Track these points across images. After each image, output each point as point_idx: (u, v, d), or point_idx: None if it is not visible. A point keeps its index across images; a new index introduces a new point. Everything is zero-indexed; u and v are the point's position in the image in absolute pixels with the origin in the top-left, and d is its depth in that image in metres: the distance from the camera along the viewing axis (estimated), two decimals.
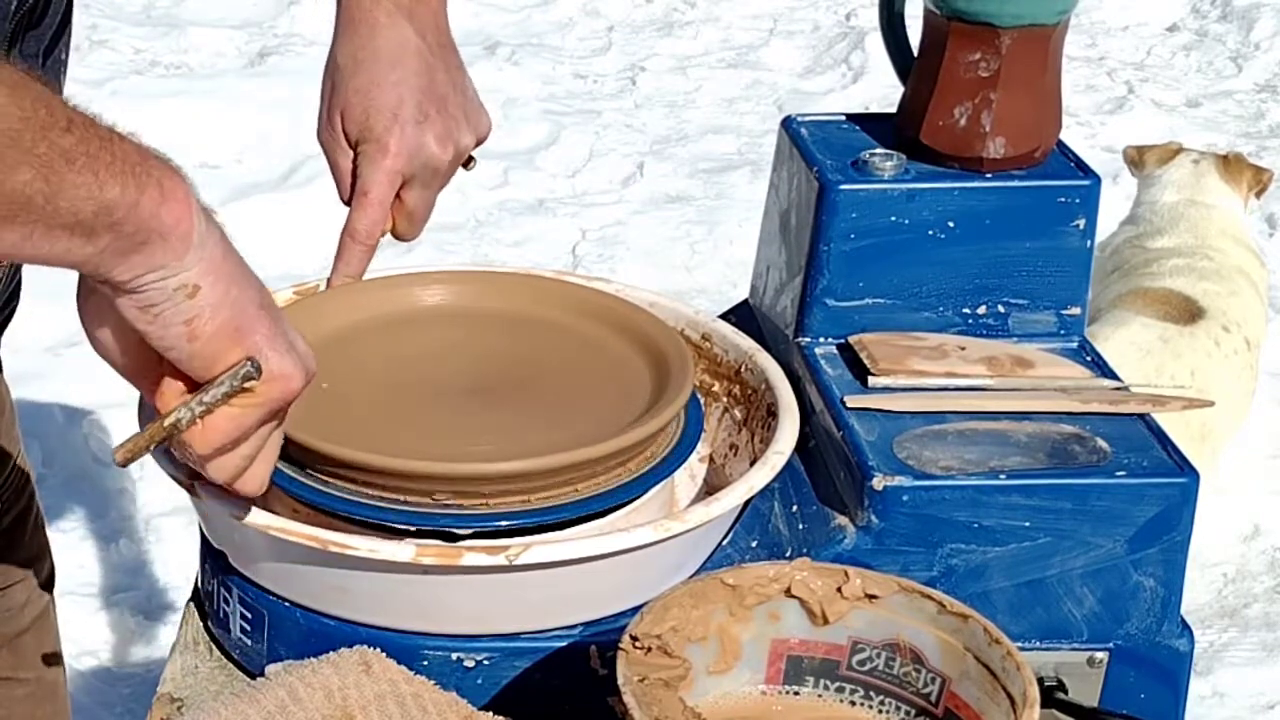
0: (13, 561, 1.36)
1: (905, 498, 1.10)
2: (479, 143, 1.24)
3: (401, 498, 1.05)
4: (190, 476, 1.07)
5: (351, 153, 1.19)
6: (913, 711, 0.98)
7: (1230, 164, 3.29)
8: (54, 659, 1.46)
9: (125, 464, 0.92)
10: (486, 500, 1.05)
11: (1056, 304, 1.28)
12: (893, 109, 1.33)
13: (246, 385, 0.91)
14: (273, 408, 0.93)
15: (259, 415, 0.92)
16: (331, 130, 1.20)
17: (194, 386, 0.91)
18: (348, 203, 1.21)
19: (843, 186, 1.24)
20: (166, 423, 0.91)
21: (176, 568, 2.77)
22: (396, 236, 1.23)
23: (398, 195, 1.20)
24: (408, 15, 1.19)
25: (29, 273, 1.26)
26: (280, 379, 0.92)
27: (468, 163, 1.24)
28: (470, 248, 3.87)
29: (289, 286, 1.26)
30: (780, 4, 5.39)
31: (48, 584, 1.43)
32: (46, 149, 0.79)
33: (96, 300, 0.90)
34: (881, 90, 4.57)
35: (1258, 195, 3.35)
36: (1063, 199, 1.26)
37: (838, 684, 1.00)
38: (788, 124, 1.36)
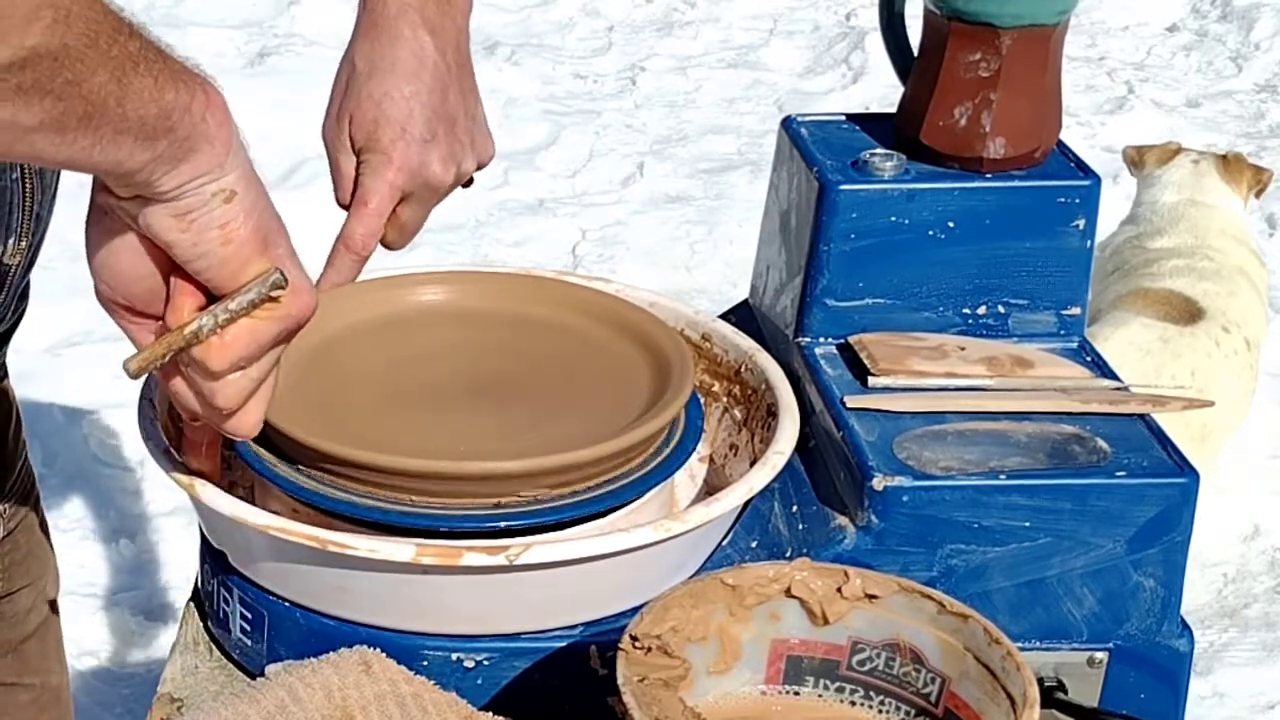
0: (18, 566, 1.36)
1: (905, 498, 1.10)
2: (480, 167, 1.24)
3: (401, 497, 1.05)
4: (190, 473, 1.07)
5: (354, 157, 1.20)
6: (913, 711, 0.98)
7: (1230, 164, 3.29)
8: (58, 664, 1.45)
9: (137, 375, 0.92)
10: (486, 500, 1.05)
11: (1056, 304, 1.28)
12: (893, 109, 1.33)
13: (273, 294, 0.91)
14: (290, 324, 0.94)
15: (276, 331, 0.93)
16: (338, 130, 1.20)
17: (208, 304, 0.92)
18: (342, 205, 1.21)
19: (843, 187, 1.24)
20: (188, 330, 0.91)
21: (176, 568, 2.77)
22: (384, 245, 1.23)
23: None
24: (431, 30, 1.19)
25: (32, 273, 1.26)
26: (303, 292, 0.93)
27: (467, 183, 1.25)
28: (470, 248, 3.87)
29: None
30: (780, 4, 5.39)
31: (52, 589, 1.43)
32: (118, 52, 0.81)
33: (109, 223, 0.91)
34: (881, 90, 4.58)
35: (1258, 195, 3.35)
36: (1063, 199, 1.25)
37: (838, 684, 1.00)
38: (788, 124, 1.36)
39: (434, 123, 1.19)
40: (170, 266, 0.91)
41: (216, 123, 0.87)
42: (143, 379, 1.06)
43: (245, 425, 0.96)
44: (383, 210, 1.19)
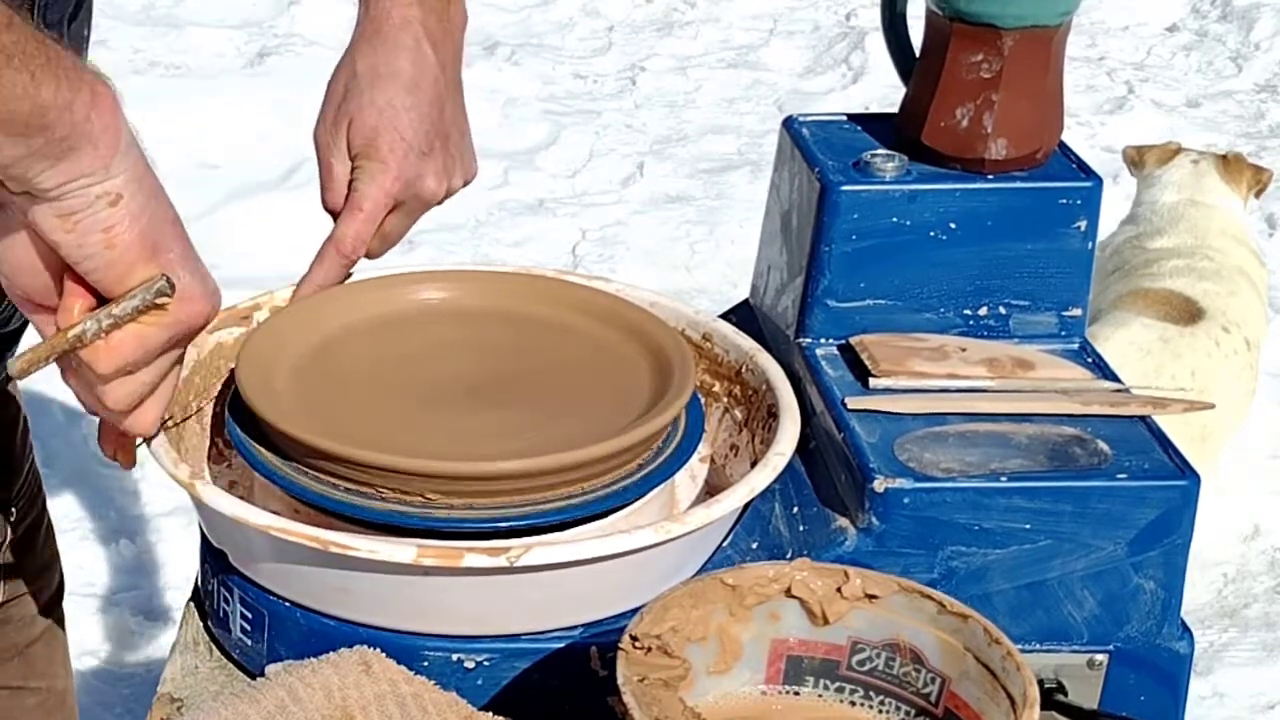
0: (25, 571, 1.36)
1: (906, 500, 1.10)
2: (465, 184, 1.25)
3: (402, 497, 1.05)
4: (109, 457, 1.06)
5: (349, 161, 1.20)
6: (913, 711, 0.98)
7: (1230, 164, 3.29)
8: (63, 669, 1.45)
9: (21, 376, 0.92)
10: (487, 500, 1.05)
11: (1057, 305, 1.28)
12: (893, 109, 1.33)
13: (159, 301, 0.90)
14: (179, 331, 0.93)
15: (165, 337, 0.93)
16: (334, 133, 1.20)
17: (99, 305, 0.91)
18: (328, 207, 1.21)
19: (844, 187, 1.24)
20: (71, 334, 0.90)
21: (176, 568, 2.77)
22: (364, 252, 1.24)
23: None
24: (433, 44, 1.19)
25: None
26: (192, 300, 0.92)
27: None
28: (470, 248, 3.87)
29: (287, 285, 1.26)
30: (780, 4, 5.39)
31: (58, 593, 1.43)
32: None
33: (4, 217, 0.90)
34: (882, 90, 4.58)
35: (1257, 195, 3.35)
36: (1064, 200, 1.25)
37: (838, 684, 1.00)
38: (789, 124, 1.35)
39: (432, 136, 1.19)
40: (62, 265, 0.91)
41: (102, 125, 0.85)
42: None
43: (141, 425, 0.96)
44: (376, 217, 1.19)
